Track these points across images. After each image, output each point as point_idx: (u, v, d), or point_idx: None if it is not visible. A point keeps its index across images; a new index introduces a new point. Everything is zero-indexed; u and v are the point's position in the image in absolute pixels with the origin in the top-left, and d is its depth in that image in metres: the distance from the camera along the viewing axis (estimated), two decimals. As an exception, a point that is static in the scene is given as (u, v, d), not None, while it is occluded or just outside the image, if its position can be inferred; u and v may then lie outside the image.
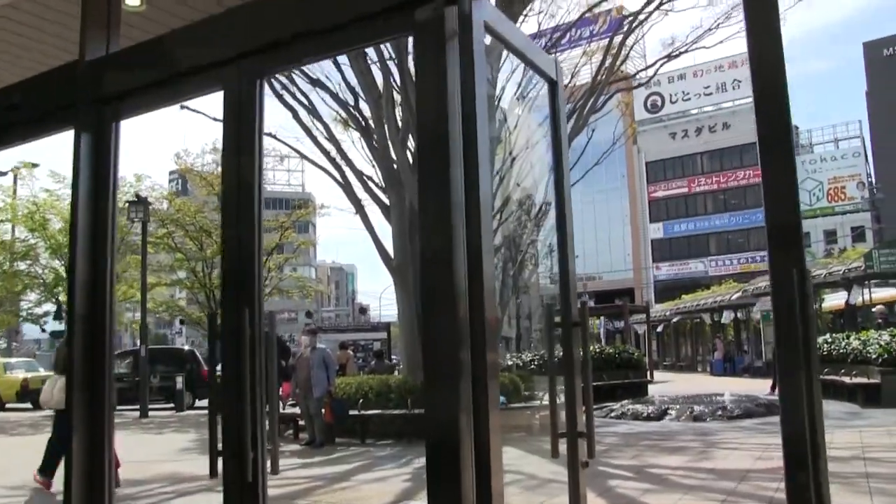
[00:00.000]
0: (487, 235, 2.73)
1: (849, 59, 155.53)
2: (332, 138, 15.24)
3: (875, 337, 15.89)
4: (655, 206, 70.51)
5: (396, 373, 16.77)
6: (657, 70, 15.42)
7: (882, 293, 25.21)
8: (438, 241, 2.71)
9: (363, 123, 14.82)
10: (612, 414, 14.74)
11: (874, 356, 15.23)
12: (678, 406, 14.30)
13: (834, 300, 27.43)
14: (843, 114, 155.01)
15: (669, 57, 15.07)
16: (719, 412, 13.63)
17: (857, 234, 58.11)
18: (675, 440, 11.09)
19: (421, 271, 2.80)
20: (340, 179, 14.84)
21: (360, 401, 12.58)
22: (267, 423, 3.19)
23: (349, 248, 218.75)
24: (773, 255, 2.44)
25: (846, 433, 10.86)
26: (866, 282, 22.97)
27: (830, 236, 62.02)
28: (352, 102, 14.89)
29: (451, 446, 2.58)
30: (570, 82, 17.63)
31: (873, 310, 20.72)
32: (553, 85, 3.62)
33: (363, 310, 65.68)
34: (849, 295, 23.60)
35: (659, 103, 70.28)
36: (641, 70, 16.77)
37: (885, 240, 42.41)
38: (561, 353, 3.28)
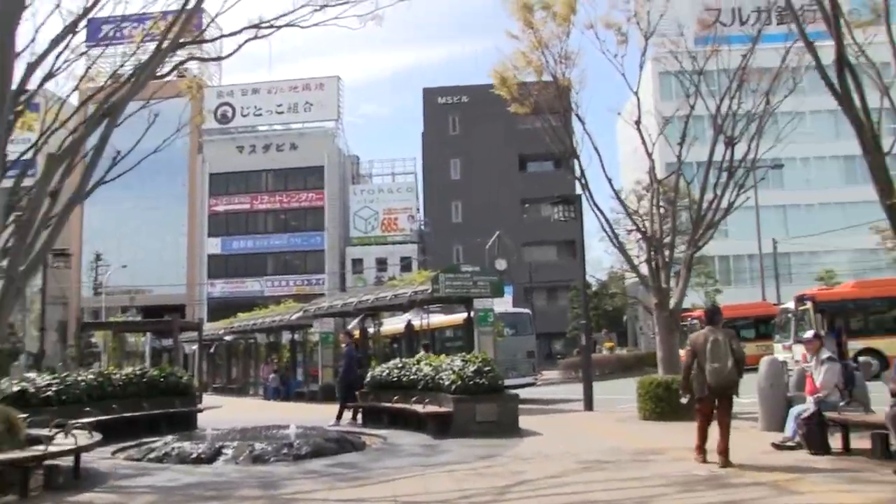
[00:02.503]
0: None
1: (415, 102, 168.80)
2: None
3: (448, 363, 14.98)
4: (215, 220, 67.42)
5: None
6: (240, 45, 12.79)
7: (444, 318, 25.47)
8: None
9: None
10: (152, 455, 11.47)
11: (447, 383, 14.23)
12: (235, 443, 11.57)
13: (394, 324, 27.16)
14: (405, 151, 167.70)
15: (257, 28, 12.55)
16: (285, 450, 11.23)
17: (406, 264, 61.31)
18: (234, 497, 8.40)
19: None
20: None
21: None
22: None
23: None
24: None
25: (445, 478, 9.25)
26: (429, 306, 22.81)
27: (382, 264, 64.79)
28: None
29: None
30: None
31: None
32: None
33: None
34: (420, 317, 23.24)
35: (230, 114, 67.75)
36: (221, 37, 13.93)
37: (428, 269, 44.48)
38: None
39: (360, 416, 17.50)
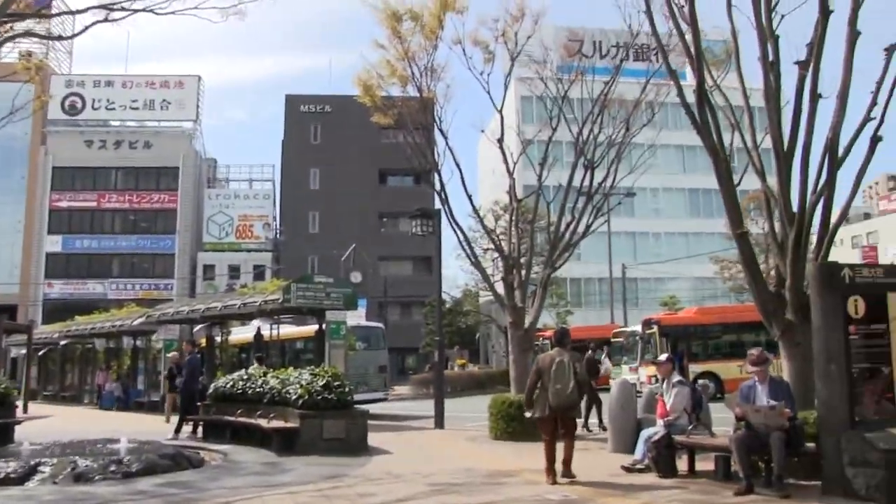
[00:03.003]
0: None
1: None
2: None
3: (296, 376, 14.38)
4: (58, 216, 63.23)
5: None
6: (87, 27, 11.83)
7: (295, 329, 24.70)
8: None
9: None
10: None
11: (294, 397, 13.65)
12: (56, 460, 10.52)
13: (243, 333, 26.13)
14: (265, 159, 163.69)
15: (108, 10, 11.65)
16: (113, 467, 10.32)
17: (259, 272, 59.66)
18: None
19: None
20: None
21: None
22: None
23: None
24: None
25: (287, 501, 8.71)
26: (281, 316, 22.09)
27: (234, 271, 62.78)
28: None
29: None
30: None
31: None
32: None
33: None
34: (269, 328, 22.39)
35: (79, 106, 63.93)
36: (65, 13, 12.84)
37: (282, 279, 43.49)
38: None
39: (200, 429, 16.60)
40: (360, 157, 63.10)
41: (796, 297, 9.58)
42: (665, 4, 10.72)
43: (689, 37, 10.17)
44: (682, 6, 10.49)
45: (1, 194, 61.88)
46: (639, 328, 29.25)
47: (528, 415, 9.90)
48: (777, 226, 10.05)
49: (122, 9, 11.47)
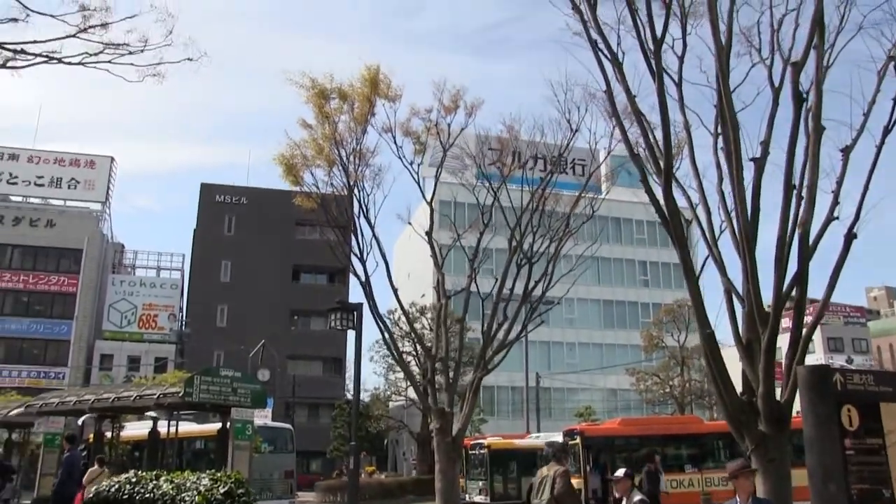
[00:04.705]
0: None
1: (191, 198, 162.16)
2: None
3: (193, 480, 12.68)
4: (-59, 292, 58.90)
5: None
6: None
7: (196, 427, 22.76)
8: None
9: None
10: None
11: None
12: None
13: (136, 429, 23.95)
14: (176, 247, 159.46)
15: (3, 48, 10.41)
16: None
17: (161, 365, 56.62)
18: None
19: None
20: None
21: None
22: None
23: None
24: None
25: None
26: (181, 412, 20.22)
27: (134, 362, 59.38)
28: None
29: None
30: None
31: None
32: None
33: None
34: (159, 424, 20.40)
35: (-23, 178, 60.70)
36: None
37: (185, 371, 41.15)
38: None
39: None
40: (274, 251, 61.69)
41: (769, 406, 8.70)
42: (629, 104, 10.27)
43: (658, 132, 9.66)
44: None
45: None
46: (559, 439, 28.16)
47: None
48: (741, 328, 9.26)
49: (22, 51, 10.16)
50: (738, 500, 7.37)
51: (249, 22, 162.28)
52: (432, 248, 17.09)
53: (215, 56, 12.16)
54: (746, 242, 9.22)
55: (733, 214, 9.81)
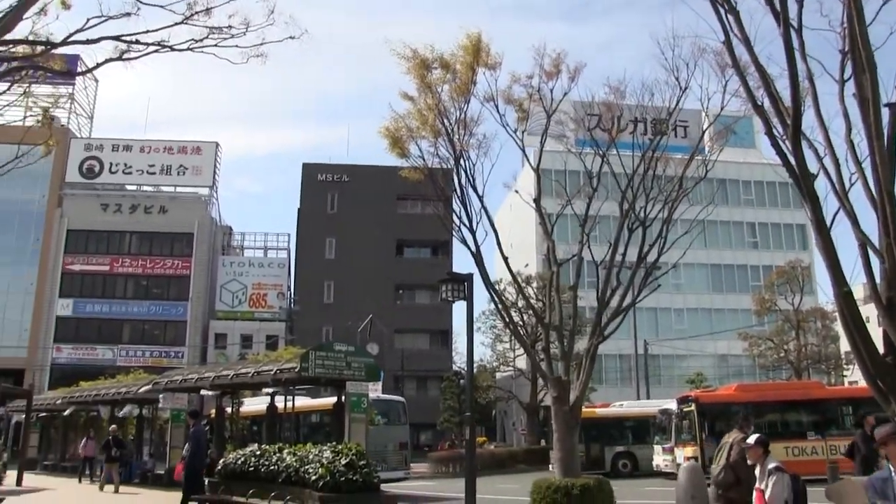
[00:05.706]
0: None
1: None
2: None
3: (315, 453, 12.91)
4: (70, 279, 62.14)
5: None
6: (99, 64, 10.86)
7: (311, 401, 23.25)
8: None
9: None
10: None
11: (313, 478, 12.16)
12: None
13: (255, 404, 24.64)
14: (281, 227, 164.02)
15: (118, 40, 10.65)
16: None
17: (272, 342, 58.24)
18: None
19: None
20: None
21: None
22: None
23: None
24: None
25: None
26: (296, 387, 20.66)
27: (247, 340, 61.39)
28: None
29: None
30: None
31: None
32: None
33: None
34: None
35: (96, 169, 63.59)
36: (68, 41, 11.58)
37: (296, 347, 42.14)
38: None
39: (206, 510, 15.07)
40: (376, 227, 62.33)
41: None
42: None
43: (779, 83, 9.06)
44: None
45: (16, 256, 61.12)
46: (673, 406, 27.52)
47: None
48: (881, 285, 8.61)
49: (137, 41, 10.41)
50: (890, 467, 6.55)
51: (346, 4, 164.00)
52: (541, 215, 16.77)
53: (313, 35, 12.15)
54: (886, 193, 8.57)
55: (866, 164, 9.15)
